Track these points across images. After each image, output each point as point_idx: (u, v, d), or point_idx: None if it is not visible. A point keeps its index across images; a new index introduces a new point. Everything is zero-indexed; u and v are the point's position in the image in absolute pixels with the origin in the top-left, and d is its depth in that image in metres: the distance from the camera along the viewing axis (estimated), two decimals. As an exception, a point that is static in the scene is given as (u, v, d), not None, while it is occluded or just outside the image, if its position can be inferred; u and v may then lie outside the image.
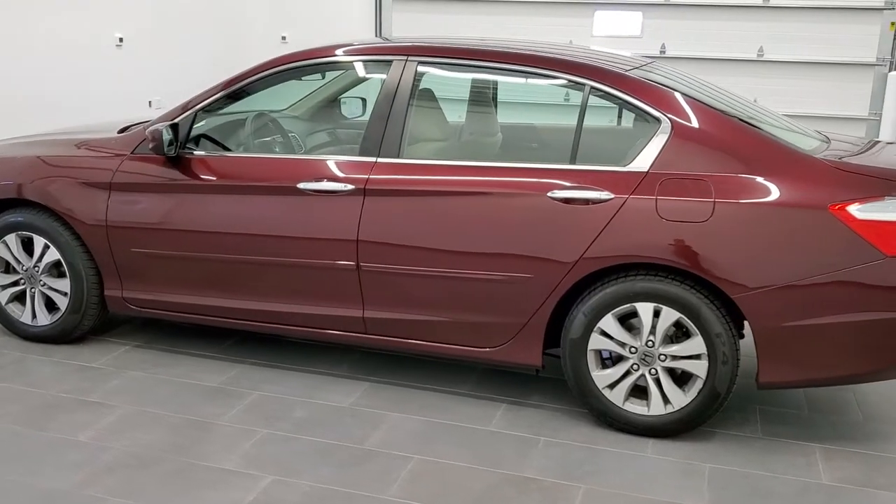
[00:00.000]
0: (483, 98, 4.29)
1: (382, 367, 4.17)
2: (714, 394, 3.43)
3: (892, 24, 10.06)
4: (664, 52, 10.58)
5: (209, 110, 4.07)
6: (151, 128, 3.89)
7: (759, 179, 3.34)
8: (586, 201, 3.45)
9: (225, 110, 4.14)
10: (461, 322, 3.70)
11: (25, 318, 4.37)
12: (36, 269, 4.29)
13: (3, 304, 4.39)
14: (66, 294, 4.26)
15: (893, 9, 10.02)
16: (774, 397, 3.93)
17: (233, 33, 10.61)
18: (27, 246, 4.29)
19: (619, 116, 4.14)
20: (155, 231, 4.02)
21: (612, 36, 10.92)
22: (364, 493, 3.11)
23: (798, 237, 3.29)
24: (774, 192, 3.32)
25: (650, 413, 3.53)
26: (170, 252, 4.02)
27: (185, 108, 4.05)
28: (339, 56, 3.96)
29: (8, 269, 4.36)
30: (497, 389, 3.98)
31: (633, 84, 3.56)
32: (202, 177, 3.94)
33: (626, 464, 3.37)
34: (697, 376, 3.45)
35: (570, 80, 3.65)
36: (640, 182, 3.41)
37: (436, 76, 3.84)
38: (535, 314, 3.58)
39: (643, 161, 3.45)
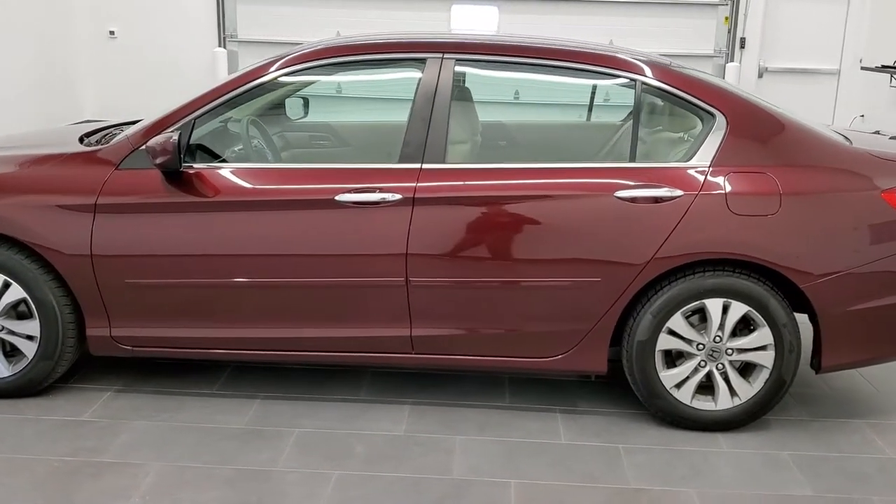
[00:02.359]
0: (528, 96, 4.10)
1: (405, 387, 3.89)
2: (780, 382, 3.50)
3: (727, 18, 10.84)
4: (521, 47, 10.76)
5: (207, 118, 3.58)
6: (156, 139, 3.36)
7: (815, 171, 3.43)
8: (655, 200, 3.39)
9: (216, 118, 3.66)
10: (522, 333, 3.52)
11: (-25, 371, 3.66)
12: (-9, 311, 3.60)
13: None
14: (33, 338, 3.60)
15: (727, 4, 10.80)
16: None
17: (53, 30, 9.78)
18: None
19: (668, 113, 3.93)
20: (158, 259, 3.49)
21: (469, 31, 10.95)
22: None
23: (856, 224, 3.42)
24: (832, 183, 3.42)
25: (718, 407, 3.54)
26: (177, 281, 3.51)
27: (176, 116, 3.53)
28: (363, 55, 3.61)
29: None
30: (537, 398, 3.84)
31: (684, 79, 3.53)
32: (219, 192, 3.46)
33: (714, 461, 3.36)
34: (763, 367, 3.49)
35: (621, 77, 3.56)
36: (705, 178, 3.40)
37: (476, 75, 3.61)
38: (601, 319, 3.48)
39: (704, 157, 3.44)
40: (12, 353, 3.67)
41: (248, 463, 3.24)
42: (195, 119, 3.54)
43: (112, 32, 11.51)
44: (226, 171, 3.51)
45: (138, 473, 3.14)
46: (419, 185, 3.42)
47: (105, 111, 11.45)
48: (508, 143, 4.01)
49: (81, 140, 3.86)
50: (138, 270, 3.50)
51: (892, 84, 9.73)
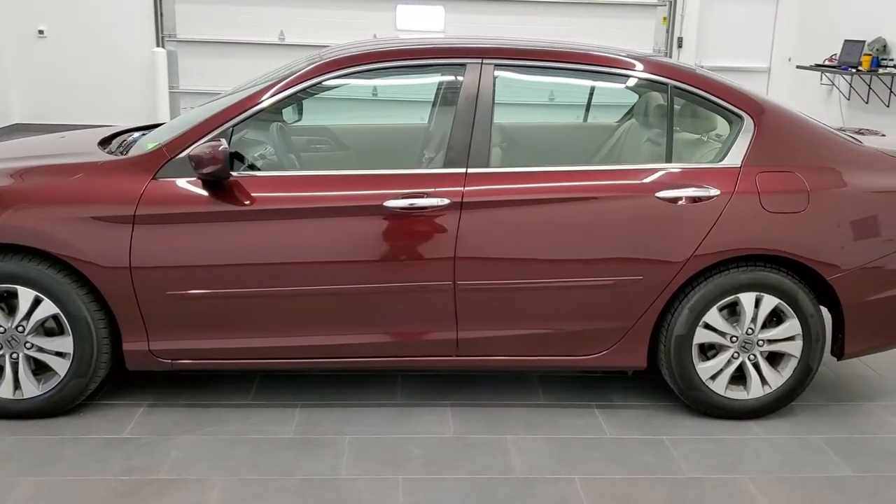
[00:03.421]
0: (565, 99, 4.17)
1: (438, 389, 3.92)
2: (807, 370, 3.69)
3: (665, 18, 11.20)
4: (466, 46, 10.85)
5: (245, 125, 3.53)
6: (203, 148, 3.29)
7: (836, 169, 3.63)
8: (695, 199, 3.52)
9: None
10: (565, 332, 3.60)
11: (2, 392, 3.50)
12: (19, 329, 3.45)
13: (-37, 381, 3.49)
14: (64, 355, 3.48)
15: (665, 5, 11.15)
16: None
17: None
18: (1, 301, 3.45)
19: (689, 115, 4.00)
20: (202, 269, 3.42)
21: (415, 31, 10.99)
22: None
23: (875, 219, 3.63)
24: (852, 180, 3.63)
25: (750, 396, 3.71)
26: (222, 291, 3.45)
27: (213, 123, 3.47)
28: (404, 60, 3.62)
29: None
30: (571, 395, 3.93)
31: (711, 83, 3.68)
32: (265, 201, 3.42)
33: (753, 448, 3.52)
34: (792, 356, 3.68)
35: (652, 81, 3.68)
36: (738, 177, 3.55)
37: (514, 79, 3.66)
38: (642, 316, 3.59)
39: (735, 157, 3.60)
40: (37, 371, 3.53)
41: (310, 472, 3.22)
42: (233, 127, 3.48)
43: (41, 32, 11.08)
44: (271, 179, 3.47)
45: (202, 489, 3.08)
46: (466, 189, 3.46)
47: (36, 114, 11.01)
48: (547, 146, 4.08)
49: (102, 147, 3.73)
50: (180, 282, 3.43)
51: (823, 82, 10.24)
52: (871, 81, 9.24)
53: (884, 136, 4.44)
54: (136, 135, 4.10)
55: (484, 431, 3.57)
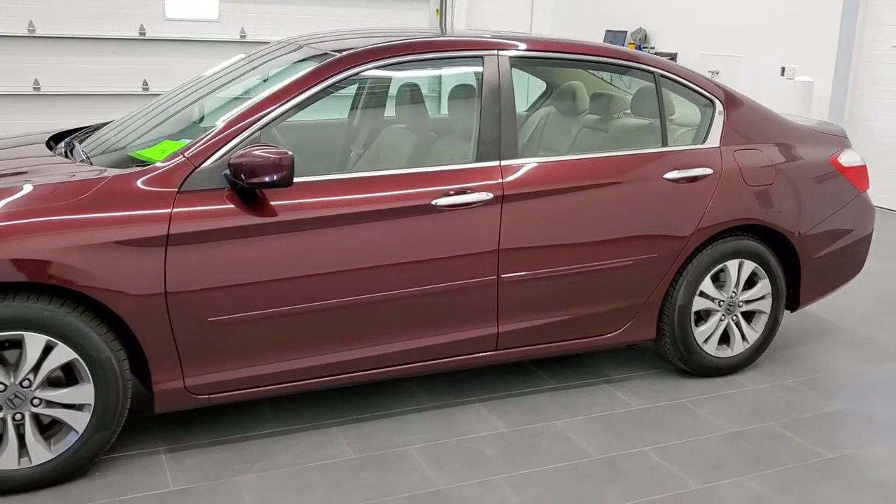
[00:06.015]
0: (573, 89, 4.18)
1: (456, 387, 3.88)
2: (775, 324, 4.17)
3: (437, 10, 11.57)
4: (245, 37, 10.43)
5: (273, 125, 3.21)
6: (264, 155, 2.95)
7: (787, 144, 4.13)
8: (693, 178, 3.82)
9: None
10: (592, 314, 3.74)
11: (5, 462, 2.89)
12: (24, 384, 2.87)
13: (-46, 457, 2.84)
14: (84, 406, 2.95)
15: (437, -3, 11.51)
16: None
17: None
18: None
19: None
20: (252, 288, 3.07)
21: (187, 20, 10.31)
22: (666, 492, 3.11)
23: (818, 184, 4.18)
24: (800, 153, 4.14)
25: (734, 353, 4.11)
26: (275, 311, 3.12)
27: (239, 123, 3.13)
28: (426, 53, 3.49)
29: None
30: (574, 376, 4.07)
31: (685, 71, 3.99)
32: (315, 207, 3.14)
33: (755, 399, 3.91)
34: (764, 313, 4.13)
35: (642, 69, 3.90)
36: (721, 156, 3.91)
37: (527, 71, 3.69)
38: (654, 290, 3.83)
39: (714, 138, 3.95)
40: (43, 430, 2.96)
41: (409, 488, 3.06)
42: (261, 128, 3.15)
43: None
44: (317, 185, 3.20)
45: (315, 528, 2.81)
46: (505, 181, 3.45)
47: None
48: (563, 135, 4.13)
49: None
50: (224, 305, 3.05)
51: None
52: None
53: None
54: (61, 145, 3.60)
55: (531, 421, 3.60)
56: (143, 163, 3.16)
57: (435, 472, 3.17)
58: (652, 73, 3.91)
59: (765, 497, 3.09)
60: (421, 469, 3.19)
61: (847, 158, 4.31)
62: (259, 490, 3.02)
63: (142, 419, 3.42)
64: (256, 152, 2.97)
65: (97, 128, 4.03)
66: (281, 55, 3.84)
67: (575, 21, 11.40)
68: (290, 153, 2.97)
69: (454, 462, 3.25)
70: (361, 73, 3.38)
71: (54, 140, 3.81)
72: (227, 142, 3.09)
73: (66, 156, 3.45)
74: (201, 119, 3.59)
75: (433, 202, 3.31)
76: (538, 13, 12.07)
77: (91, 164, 3.26)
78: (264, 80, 3.81)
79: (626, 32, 10.33)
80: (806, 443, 3.51)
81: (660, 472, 3.24)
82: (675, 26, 9.89)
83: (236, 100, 3.69)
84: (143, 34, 9.99)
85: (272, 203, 3.10)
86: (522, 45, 3.67)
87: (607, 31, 10.55)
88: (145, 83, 10.11)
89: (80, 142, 3.71)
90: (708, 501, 3.05)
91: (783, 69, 8.43)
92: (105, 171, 3.08)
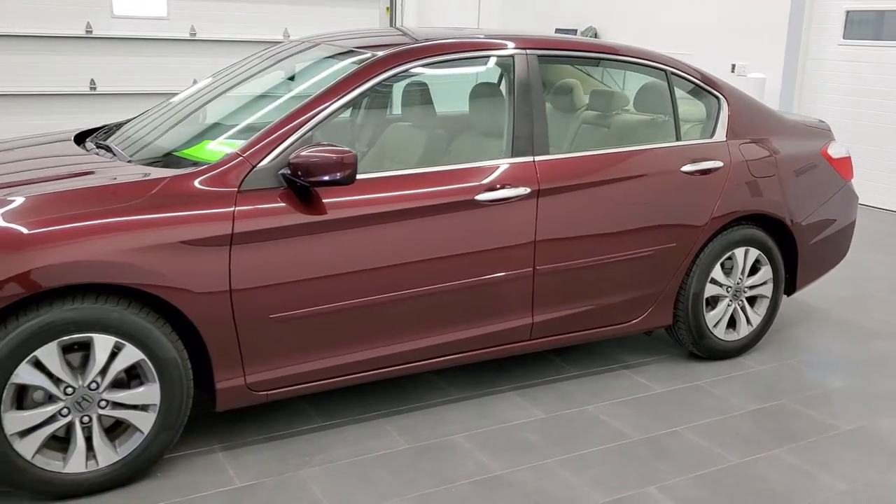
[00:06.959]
0: (597, 87, 4.30)
1: (477, 379, 4.00)
2: (775, 307, 4.42)
3: (388, 8, 11.62)
4: (195, 35, 10.29)
5: (322, 125, 3.26)
6: (326, 154, 3.00)
7: (783, 137, 4.38)
8: (706, 171, 4.02)
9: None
10: (618, 302, 3.90)
11: (73, 465, 2.88)
12: (92, 386, 2.86)
13: (30, 457, 2.80)
14: (150, 407, 2.96)
15: (387, -6, 11.55)
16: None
17: None
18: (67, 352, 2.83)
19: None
20: (307, 284, 3.12)
21: (135, 17, 10.11)
22: (711, 467, 3.29)
23: (812, 174, 4.44)
24: (794, 145, 4.40)
25: (740, 336, 4.34)
26: (335, 305, 3.18)
27: (291, 124, 3.17)
28: (460, 53, 3.58)
29: (27, 398, 2.80)
30: (590, 363, 4.22)
31: (692, 69, 4.19)
32: (367, 203, 3.21)
33: (763, 378, 4.14)
34: (766, 297, 4.37)
35: (656, 68, 4.08)
36: (729, 149, 4.12)
37: (552, 69, 3.82)
38: (673, 278, 4.02)
39: (721, 133, 4.16)
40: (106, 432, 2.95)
41: (470, 474, 3.17)
42: (314, 126, 3.20)
43: None
44: (374, 181, 3.26)
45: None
46: (540, 175, 3.57)
47: None
48: (588, 131, 4.26)
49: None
50: (287, 302, 3.09)
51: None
52: (586, 64, 10.55)
53: None
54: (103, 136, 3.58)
55: (565, 407, 3.74)
56: (192, 163, 3.16)
57: (489, 459, 3.28)
58: (664, 70, 4.09)
59: (802, 468, 3.30)
60: (474, 456, 3.29)
61: (835, 150, 4.59)
62: (326, 482, 3.07)
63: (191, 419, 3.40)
64: (318, 151, 3.02)
65: (115, 127, 4.00)
66: (299, 52, 3.89)
67: (523, 19, 11.60)
68: (353, 151, 3.03)
69: (503, 448, 3.36)
70: (409, 71, 3.45)
71: (76, 141, 3.76)
72: (283, 140, 3.13)
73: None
74: (236, 117, 3.59)
75: (475, 197, 3.41)
76: (485, 11, 12.23)
77: (135, 164, 3.24)
78: (290, 79, 3.85)
79: (576, 31, 10.58)
80: (821, 416, 3.74)
81: (699, 449, 3.42)
82: (625, 24, 10.19)
83: (265, 97, 3.73)
84: (90, 32, 9.75)
85: (325, 200, 3.15)
86: (549, 45, 3.80)
87: (557, 30, 10.78)
88: (93, 82, 9.87)
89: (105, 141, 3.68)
90: (754, 474, 3.24)
91: (733, 66, 8.79)
92: (161, 171, 3.07)
